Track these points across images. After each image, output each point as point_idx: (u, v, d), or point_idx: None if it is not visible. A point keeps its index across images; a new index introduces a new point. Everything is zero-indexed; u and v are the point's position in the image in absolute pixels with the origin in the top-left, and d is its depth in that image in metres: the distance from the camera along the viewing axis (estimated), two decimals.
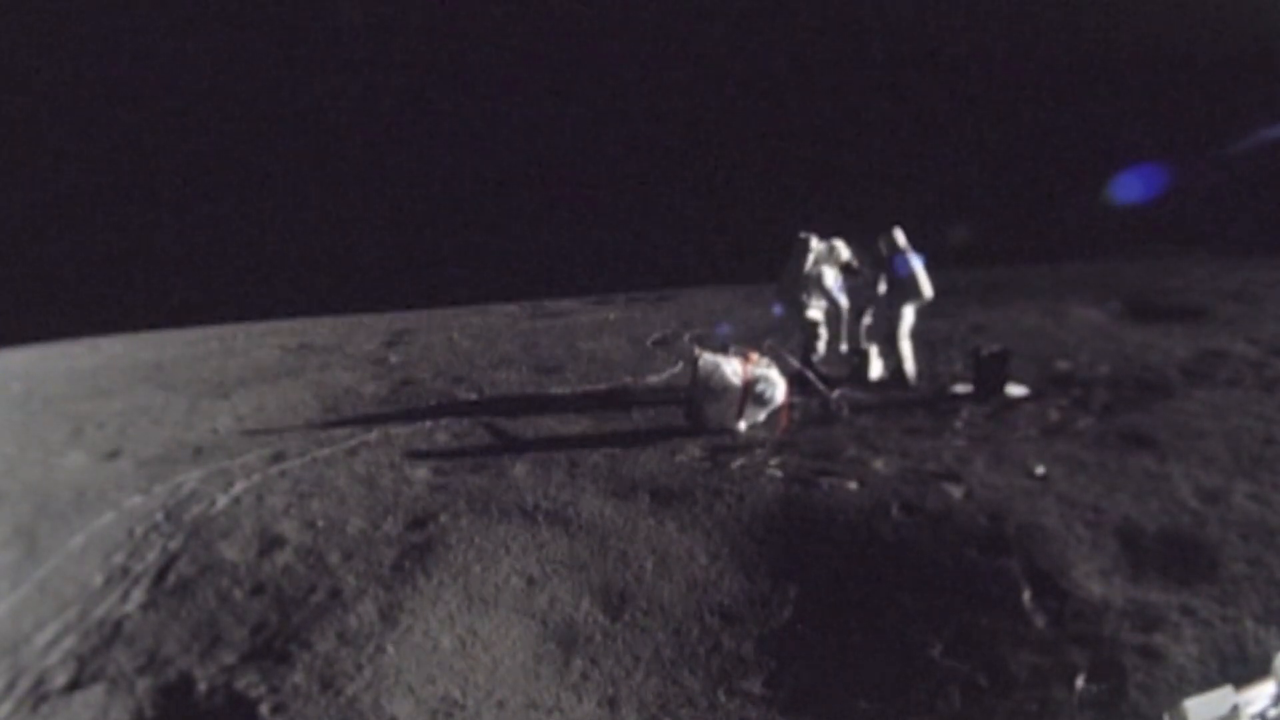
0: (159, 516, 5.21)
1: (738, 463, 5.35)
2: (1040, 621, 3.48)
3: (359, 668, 3.55)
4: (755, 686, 3.34)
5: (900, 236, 6.88)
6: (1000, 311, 9.78)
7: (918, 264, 6.84)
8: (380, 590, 4.12)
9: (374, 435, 6.53)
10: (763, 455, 5.48)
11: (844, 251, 7.09)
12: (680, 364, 8.21)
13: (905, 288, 6.84)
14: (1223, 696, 1.51)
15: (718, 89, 19.18)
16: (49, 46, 18.53)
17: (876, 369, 7.07)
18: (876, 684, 3.27)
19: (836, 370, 7.33)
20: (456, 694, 3.39)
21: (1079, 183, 14.84)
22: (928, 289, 6.89)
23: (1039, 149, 16.29)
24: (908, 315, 6.89)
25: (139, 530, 5.03)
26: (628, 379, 7.87)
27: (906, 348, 6.90)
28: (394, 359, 9.71)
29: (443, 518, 4.84)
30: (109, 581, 4.47)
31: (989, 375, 6.45)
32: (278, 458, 6.14)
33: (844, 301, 7.28)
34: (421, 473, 5.62)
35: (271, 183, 18.99)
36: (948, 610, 3.62)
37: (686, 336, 9.84)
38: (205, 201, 18.78)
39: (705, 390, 5.97)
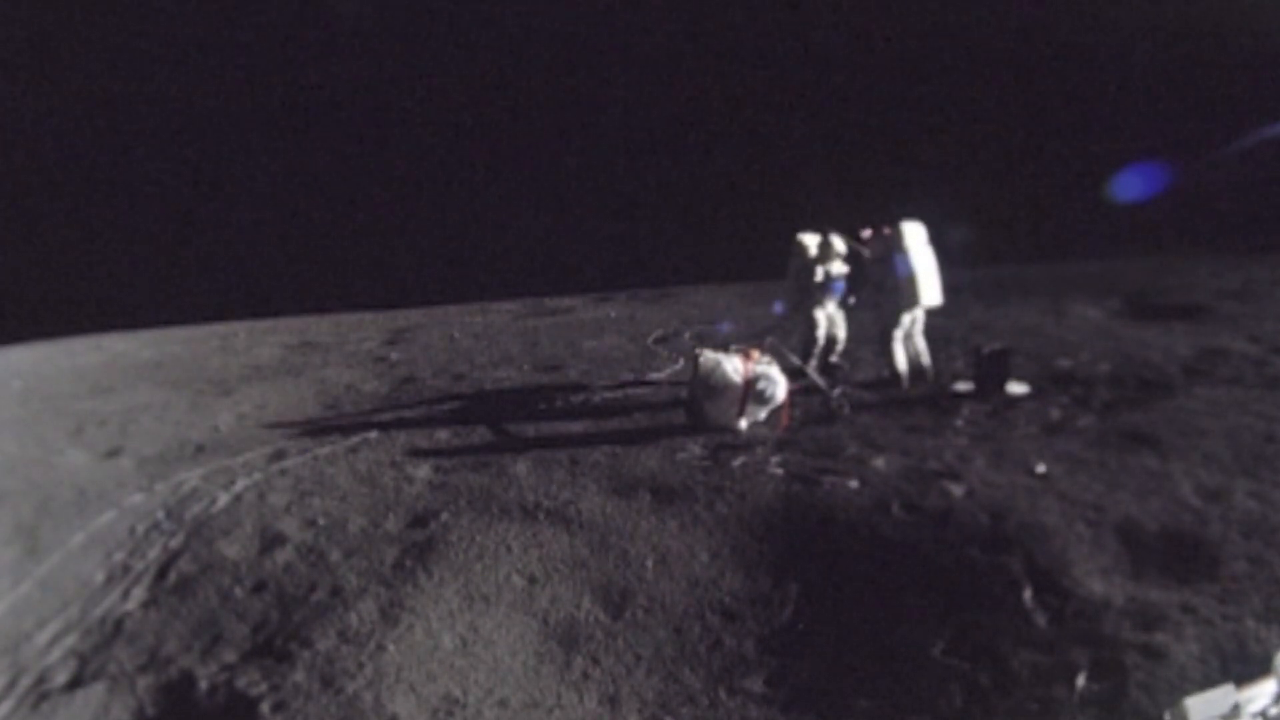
0: (160, 514, 5.21)
1: (739, 461, 5.35)
2: (1041, 620, 3.48)
3: (360, 666, 3.55)
4: (756, 685, 3.34)
5: (910, 233, 6.56)
6: (1001, 310, 9.78)
7: (923, 266, 6.55)
8: (381, 588, 4.12)
9: (375, 433, 6.53)
10: (764, 453, 5.48)
11: (841, 246, 7.05)
12: (681, 362, 8.21)
13: (901, 291, 6.57)
14: (1224, 695, 1.51)
15: (719, 87, 19.15)
16: (49, 46, 18.51)
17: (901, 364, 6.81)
18: (877, 682, 3.27)
19: (841, 369, 7.33)
20: (457, 692, 3.39)
21: (1080, 182, 14.84)
22: (929, 295, 6.57)
23: (1040, 149, 16.28)
24: (905, 320, 6.68)
25: (140, 528, 5.04)
26: (628, 377, 7.87)
27: (898, 348, 6.74)
28: (395, 357, 9.71)
29: (444, 516, 4.84)
30: (110, 579, 4.47)
31: (990, 373, 6.44)
32: (279, 456, 6.15)
33: (839, 292, 7.16)
34: (422, 471, 5.62)
35: (272, 181, 18.98)
36: (949, 609, 3.62)
37: (687, 334, 9.85)
38: (206, 200, 18.77)
39: (706, 388, 5.97)
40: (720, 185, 17.85)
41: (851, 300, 7.19)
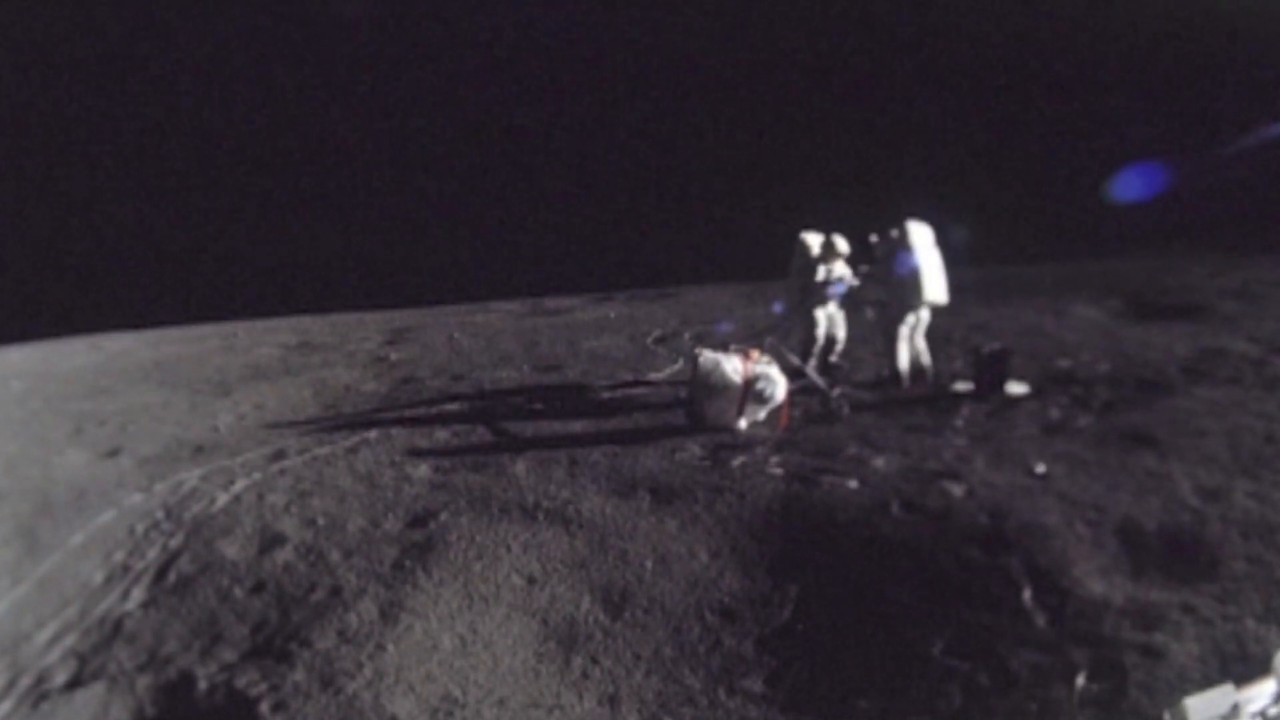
0: (159, 514, 5.21)
1: (738, 461, 5.35)
2: (1041, 620, 3.48)
3: (359, 666, 3.55)
4: (756, 685, 3.34)
5: (914, 232, 6.56)
6: (1001, 309, 9.78)
7: (927, 265, 6.53)
8: (380, 588, 4.12)
9: (374, 433, 6.53)
10: (763, 453, 5.48)
11: (844, 246, 7.05)
12: (681, 362, 8.21)
13: (904, 289, 6.58)
14: (1223, 695, 1.51)
15: (718, 88, 19.15)
16: (48, 44, 18.51)
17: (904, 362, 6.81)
18: (877, 682, 3.27)
19: (842, 369, 7.33)
20: (457, 692, 3.39)
21: (1080, 182, 14.84)
22: (933, 293, 6.57)
23: (1040, 148, 16.28)
24: (909, 319, 6.69)
25: (139, 528, 5.03)
26: (628, 377, 7.87)
27: (902, 347, 6.74)
28: (394, 357, 9.71)
29: (443, 516, 4.84)
30: (109, 579, 4.47)
31: (989, 373, 6.43)
32: (278, 455, 6.15)
33: (839, 292, 7.16)
34: (422, 471, 5.62)
35: (272, 181, 18.99)
36: (948, 609, 3.62)
37: (687, 334, 9.84)
38: (205, 200, 18.77)
39: (705, 388, 5.96)
40: (720, 185, 17.85)
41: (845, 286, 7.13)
